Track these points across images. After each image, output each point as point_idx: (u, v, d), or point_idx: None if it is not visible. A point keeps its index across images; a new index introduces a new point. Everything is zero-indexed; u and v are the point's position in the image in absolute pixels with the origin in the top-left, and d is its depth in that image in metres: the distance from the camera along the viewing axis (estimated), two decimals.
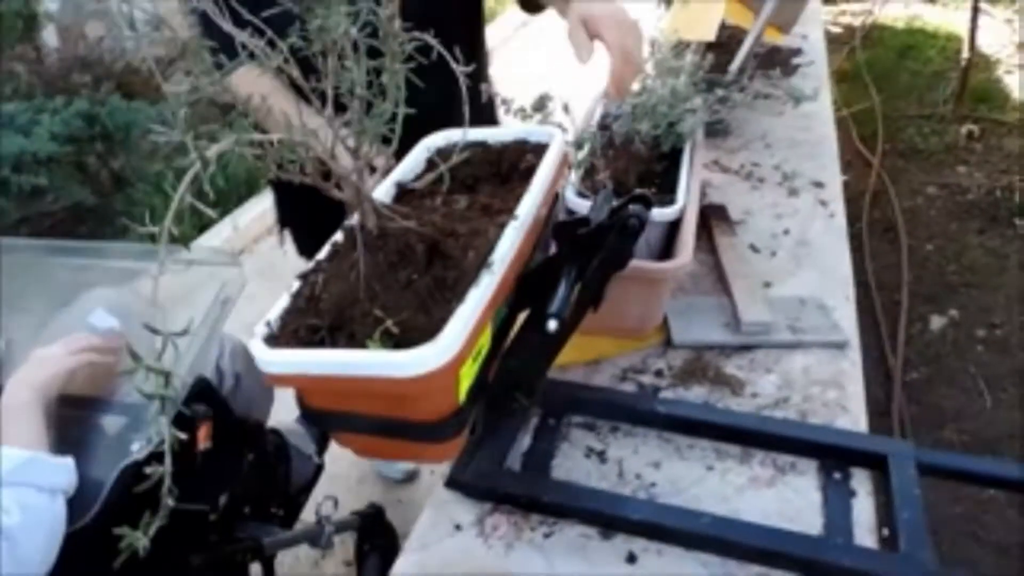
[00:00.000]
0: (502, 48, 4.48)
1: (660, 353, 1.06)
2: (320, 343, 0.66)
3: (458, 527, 0.84)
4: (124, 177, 3.07)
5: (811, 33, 2.10)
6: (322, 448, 1.55)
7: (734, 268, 1.18)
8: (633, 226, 0.76)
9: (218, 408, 1.14)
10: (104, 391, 1.03)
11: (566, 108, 1.12)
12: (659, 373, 1.03)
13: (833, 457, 0.88)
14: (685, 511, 0.81)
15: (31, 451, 0.90)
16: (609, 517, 0.81)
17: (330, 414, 0.72)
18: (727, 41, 1.63)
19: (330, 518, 1.47)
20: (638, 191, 0.81)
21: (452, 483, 0.87)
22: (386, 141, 0.68)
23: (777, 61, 1.81)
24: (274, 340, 0.68)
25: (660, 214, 1.05)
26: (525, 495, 0.84)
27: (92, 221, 2.98)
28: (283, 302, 0.72)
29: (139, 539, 0.49)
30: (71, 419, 1.05)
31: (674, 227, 1.09)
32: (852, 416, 0.95)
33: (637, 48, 0.99)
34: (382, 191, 0.84)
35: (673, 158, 1.22)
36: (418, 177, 0.90)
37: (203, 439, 1.05)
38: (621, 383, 1.01)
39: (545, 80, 1.19)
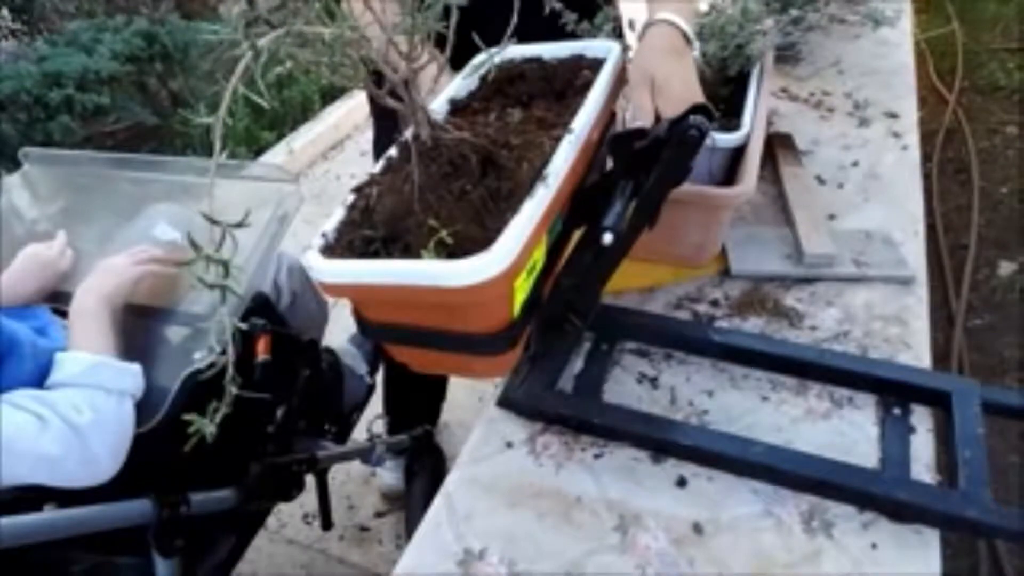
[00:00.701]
0: None
1: (717, 283, 1.04)
2: (375, 254, 0.66)
3: (509, 444, 0.85)
4: (183, 97, 3.10)
5: None
6: (374, 369, 1.58)
7: (798, 199, 1.13)
8: (693, 138, 0.73)
9: (275, 323, 1.17)
10: (167, 301, 1.06)
11: (631, 25, 1.08)
12: (715, 303, 1.01)
13: (893, 393, 0.86)
14: (738, 438, 0.80)
15: (100, 355, 0.94)
16: (660, 441, 0.81)
17: (385, 326, 0.73)
18: None
19: (381, 436, 1.51)
20: (698, 101, 0.78)
21: (504, 402, 0.88)
22: (440, 44, 0.66)
23: None
24: (329, 251, 0.68)
25: (724, 139, 1.01)
26: (576, 416, 0.84)
27: (153, 141, 3.03)
28: (339, 214, 0.72)
29: (207, 425, 0.50)
30: (137, 328, 1.09)
31: (738, 154, 1.05)
32: (915, 353, 0.92)
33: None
34: (435, 107, 0.83)
35: (739, 83, 1.17)
36: (472, 94, 0.88)
37: (262, 351, 1.08)
38: (676, 311, 1.00)
39: None
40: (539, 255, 0.70)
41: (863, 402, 0.87)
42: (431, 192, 0.67)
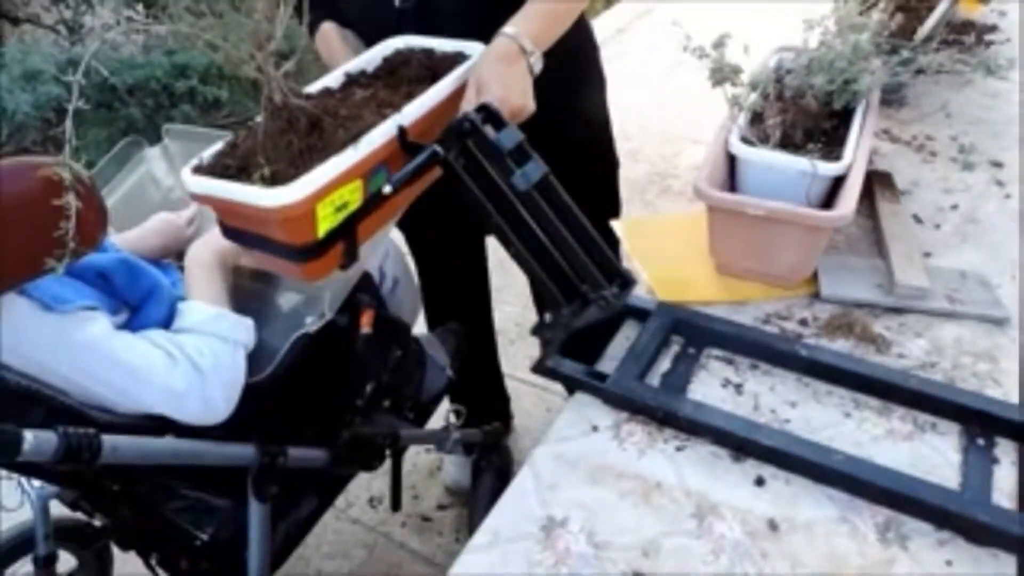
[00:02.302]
0: None
1: (806, 304, 1.07)
2: (228, 178, 0.84)
3: (595, 428, 0.90)
4: None
5: (1010, 10, 1.96)
6: (455, 361, 1.65)
7: (894, 232, 1.15)
8: (460, 124, 0.88)
9: (377, 303, 1.25)
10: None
11: (745, 49, 1.13)
12: (803, 322, 1.04)
13: (979, 423, 0.87)
14: (818, 446, 0.83)
15: (218, 307, 1.03)
16: (742, 440, 0.84)
17: (236, 231, 0.91)
18: (917, 6, 1.55)
19: (456, 426, 1.57)
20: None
21: (591, 388, 0.93)
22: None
23: (968, 35, 1.70)
24: (199, 170, 0.87)
25: (824, 168, 1.05)
26: (662, 408, 0.88)
27: None
28: (218, 146, 0.90)
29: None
30: (250, 290, 1.19)
31: (836, 186, 1.09)
32: (1004, 390, 0.93)
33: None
34: (333, 78, 1.03)
35: (843, 118, 1.20)
36: (374, 73, 1.05)
37: (365, 324, 1.16)
38: (763, 326, 1.03)
39: (729, 21, 1.19)
40: (352, 198, 0.87)
41: (946, 429, 0.88)
42: (270, 140, 0.85)
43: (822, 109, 1.21)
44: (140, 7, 3.69)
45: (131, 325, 0.99)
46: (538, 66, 1.04)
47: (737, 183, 1.12)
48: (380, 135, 0.87)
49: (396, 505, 1.53)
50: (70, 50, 2.78)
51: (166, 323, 1.03)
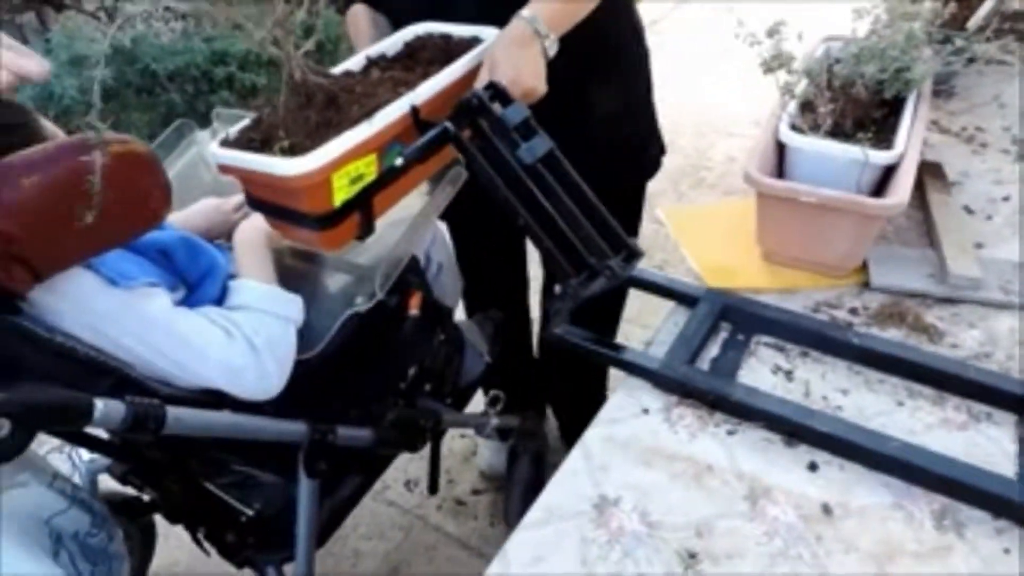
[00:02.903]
0: None
1: (856, 293, 1.06)
2: (252, 151, 0.88)
3: (646, 411, 0.90)
4: None
5: None
6: (492, 348, 1.66)
7: (945, 223, 1.14)
8: (469, 100, 0.91)
9: (423, 286, 1.26)
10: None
11: (800, 36, 1.13)
12: (853, 311, 1.03)
13: None
14: (873, 432, 0.83)
15: (268, 285, 1.05)
16: (795, 425, 0.85)
17: (260, 201, 0.95)
18: None
19: (495, 412, 1.58)
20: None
21: (640, 371, 0.93)
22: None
23: (1021, 24, 1.67)
24: (226, 143, 0.91)
25: (876, 156, 1.04)
26: (713, 392, 0.88)
27: None
28: (245, 121, 0.94)
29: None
30: (301, 271, 1.21)
31: (887, 175, 1.08)
32: None
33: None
34: (354, 62, 1.06)
35: (893, 107, 1.19)
36: (393, 57, 1.09)
37: (414, 306, 1.17)
38: (813, 314, 1.03)
39: (785, 7, 1.18)
40: (367, 171, 0.91)
41: (1002, 419, 0.87)
42: (289, 115, 0.89)
43: (872, 98, 1.20)
44: None
45: (188, 301, 1.02)
46: (552, 49, 1.05)
47: (786, 171, 1.11)
48: (394, 111, 0.91)
49: (434, 488, 1.55)
50: (113, 36, 2.82)
51: (220, 300, 1.05)
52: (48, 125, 0.91)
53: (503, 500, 1.81)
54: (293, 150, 0.86)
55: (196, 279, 1.03)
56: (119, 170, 0.82)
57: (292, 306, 1.06)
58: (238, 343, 0.97)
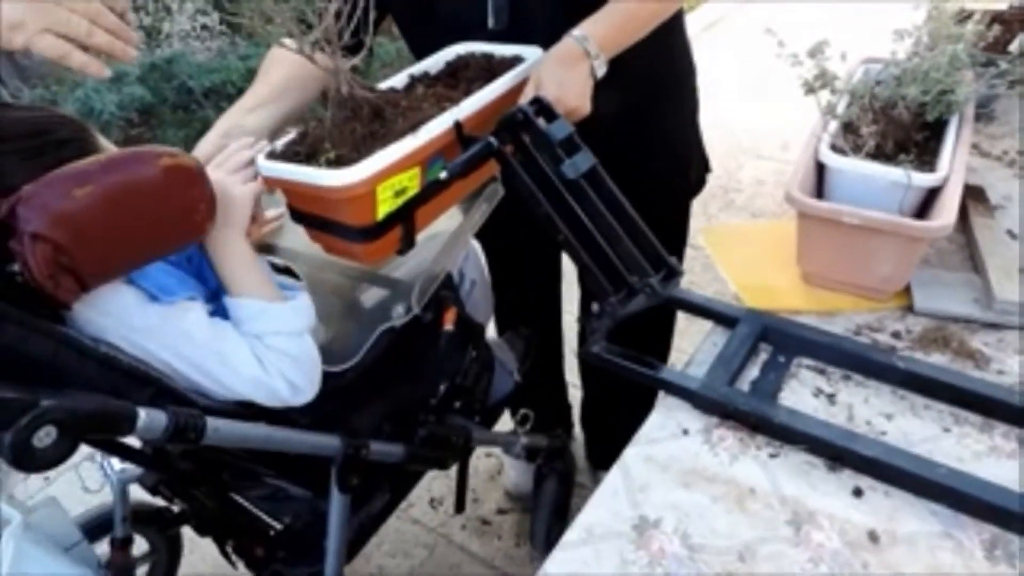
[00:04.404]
0: None
1: (898, 317, 1.05)
2: (297, 163, 0.90)
3: (685, 432, 0.89)
4: None
5: None
6: (522, 366, 1.65)
7: (989, 247, 1.12)
8: (513, 115, 0.93)
9: (457, 303, 1.26)
10: None
11: (843, 56, 1.12)
12: (896, 335, 1.01)
13: None
14: (920, 458, 0.81)
15: (265, 300, 0.96)
16: (839, 449, 0.83)
17: (302, 213, 0.95)
18: (1010, 19, 1.52)
19: (524, 431, 1.58)
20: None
21: (679, 391, 0.92)
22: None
23: None
24: (272, 156, 0.93)
25: (919, 179, 1.03)
26: (755, 414, 0.87)
27: None
28: (290, 135, 0.96)
29: None
30: (337, 285, 1.21)
31: (930, 198, 1.06)
32: None
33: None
34: (398, 79, 1.08)
35: (935, 130, 1.18)
36: (435, 75, 1.11)
37: (448, 322, 1.17)
38: (854, 337, 1.01)
39: (824, 26, 1.18)
40: (410, 184, 0.92)
41: None
42: (336, 128, 0.91)
43: (914, 120, 1.19)
44: (215, 15, 3.83)
45: (218, 313, 1.02)
46: (601, 70, 1.05)
47: (826, 193, 1.10)
48: (438, 125, 0.91)
49: (460, 506, 1.54)
50: (152, 54, 2.88)
51: None
52: (103, 140, 0.92)
53: (529, 520, 1.79)
54: (339, 161, 0.87)
55: (216, 286, 1.03)
56: (169, 183, 0.83)
57: (302, 318, 0.99)
58: (268, 366, 0.96)
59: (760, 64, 3.72)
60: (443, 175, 0.92)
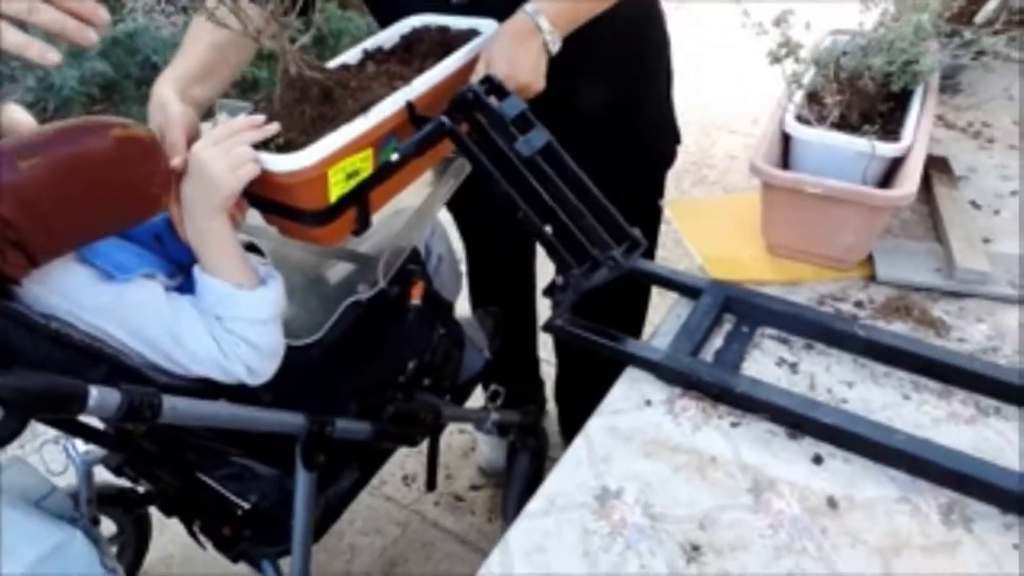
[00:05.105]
0: None
1: (861, 286, 1.05)
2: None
3: (648, 402, 0.89)
4: None
5: None
6: (492, 344, 1.65)
7: (952, 217, 1.13)
8: (463, 95, 0.92)
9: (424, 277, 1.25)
10: None
11: (807, 26, 1.12)
12: (859, 304, 1.02)
13: None
14: (879, 425, 0.82)
15: (234, 286, 0.92)
16: (799, 417, 0.83)
17: (255, 196, 0.92)
18: None
19: (495, 407, 1.57)
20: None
21: (643, 363, 0.92)
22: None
23: None
24: None
25: (883, 148, 1.03)
26: (717, 384, 0.87)
27: None
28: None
29: None
30: (301, 259, 1.19)
31: (893, 168, 1.07)
32: None
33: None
34: (351, 55, 1.05)
35: (899, 101, 1.18)
36: (390, 49, 1.08)
37: (416, 296, 1.16)
38: (817, 307, 1.02)
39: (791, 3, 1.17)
40: (362, 166, 0.91)
41: (1011, 414, 0.86)
42: (285, 110, 0.89)
43: (879, 91, 1.18)
44: None
45: (185, 287, 1.00)
46: (555, 46, 1.04)
47: (791, 163, 1.10)
48: (389, 106, 0.90)
49: (432, 484, 1.54)
50: (114, 28, 2.81)
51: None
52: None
53: (502, 496, 1.80)
54: (288, 146, 0.86)
55: (188, 261, 1.01)
56: (120, 155, 0.81)
57: (268, 307, 0.94)
58: (225, 348, 0.93)
59: (731, 36, 3.72)
60: (394, 157, 0.91)
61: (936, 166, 1.28)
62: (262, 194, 0.92)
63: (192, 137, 0.93)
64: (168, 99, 0.96)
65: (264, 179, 0.87)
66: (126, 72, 2.73)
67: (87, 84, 2.53)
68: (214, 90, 1.09)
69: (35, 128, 0.84)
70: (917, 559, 0.72)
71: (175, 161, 0.89)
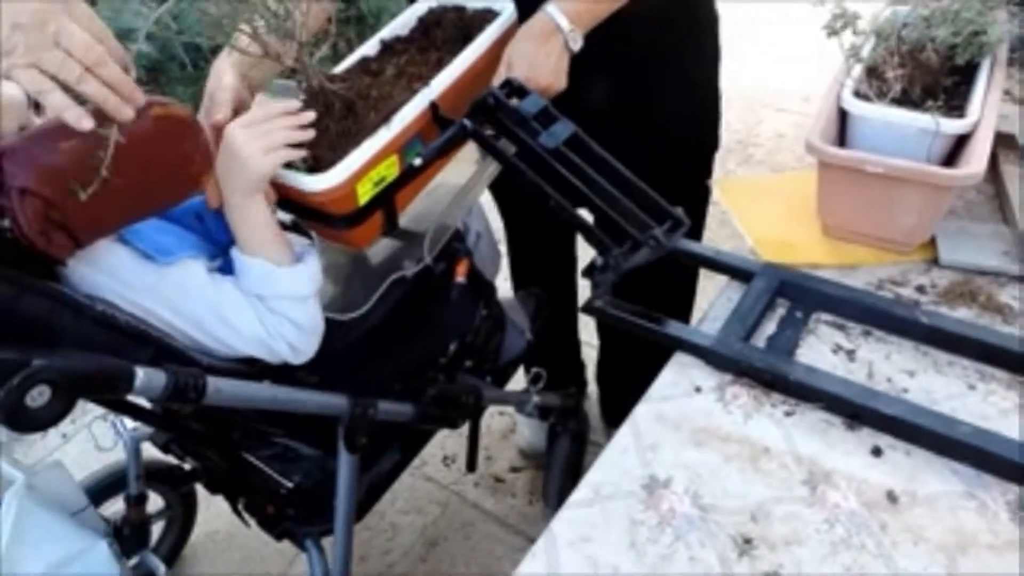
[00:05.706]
0: None
1: (923, 270, 1.00)
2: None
3: (698, 389, 0.86)
4: None
5: None
6: (534, 326, 1.63)
7: (1020, 197, 1.07)
8: (484, 99, 0.93)
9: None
10: None
11: None
12: (920, 289, 0.97)
13: None
14: (942, 416, 0.78)
15: (272, 264, 0.92)
16: (857, 407, 0.80)
17: (294, 204, 0.94)
18: None
19: (537, 389, 1.56)
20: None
21: (692, 348, 0.89)
22: None
23: None
24: None
25: (947, 125, 0.98)
26: (770, 371, 0.84)
27: None
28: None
29: None
30: None
31: (959, 145, 1.01)
32: None
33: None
34: (369, 46, 1.07)
35: (965, 74, 1.12)
36: (408, 36, 1.09)
37: (460, 273, 1.14)
38: (876, 291, 0.97)
39: None
40: (388, 172, 0.93)
41: None
42: (310, 126, 0.89)
43: (943, 64, 1.12)
44: None
45: (225, 268, 0.99)
46: (576, 44, 1.02)
47: (848, 141, 1.05)
48: (410, 112, 0.92)
49: (472, 465, 1.53)
50: (158, 9, 2.82)
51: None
52: None
53: (542, 479, 1.78)
54: (317, 162, 0.88)
55: (228, 241, 1.00)
56: (159, 134, 0.80)
57: (307, 282, 0.94)
58: (269, 327, 0.93)
59: (779, 13, 3.60)
60: (417, 161, 0.93)
61: (1003, 144, 1.21)
62: (294, 200, 0.94)
63: (239, 109, 0.97)
64: (224, 70, 1.00)
65: (294, 191, 0.90)
66: (171, 54, 2.74)
67: (133, 66, 2.54)
68: (271, 75, 1.09)
69: (23, 101, 0.85)
70: (984, 558, 0.68)
71: (217, 117, 0.94)
